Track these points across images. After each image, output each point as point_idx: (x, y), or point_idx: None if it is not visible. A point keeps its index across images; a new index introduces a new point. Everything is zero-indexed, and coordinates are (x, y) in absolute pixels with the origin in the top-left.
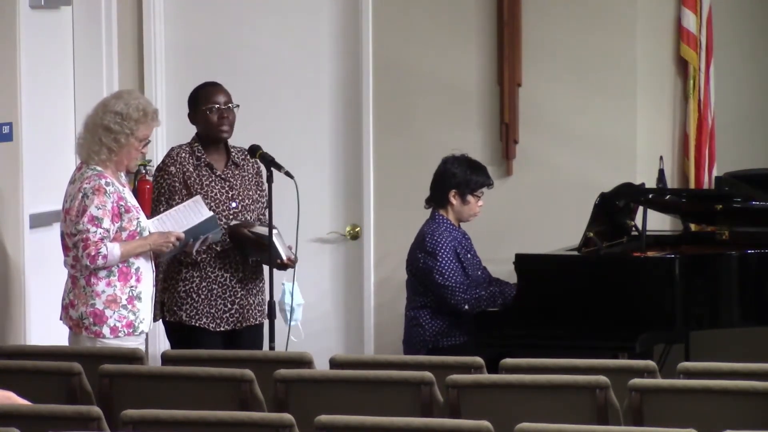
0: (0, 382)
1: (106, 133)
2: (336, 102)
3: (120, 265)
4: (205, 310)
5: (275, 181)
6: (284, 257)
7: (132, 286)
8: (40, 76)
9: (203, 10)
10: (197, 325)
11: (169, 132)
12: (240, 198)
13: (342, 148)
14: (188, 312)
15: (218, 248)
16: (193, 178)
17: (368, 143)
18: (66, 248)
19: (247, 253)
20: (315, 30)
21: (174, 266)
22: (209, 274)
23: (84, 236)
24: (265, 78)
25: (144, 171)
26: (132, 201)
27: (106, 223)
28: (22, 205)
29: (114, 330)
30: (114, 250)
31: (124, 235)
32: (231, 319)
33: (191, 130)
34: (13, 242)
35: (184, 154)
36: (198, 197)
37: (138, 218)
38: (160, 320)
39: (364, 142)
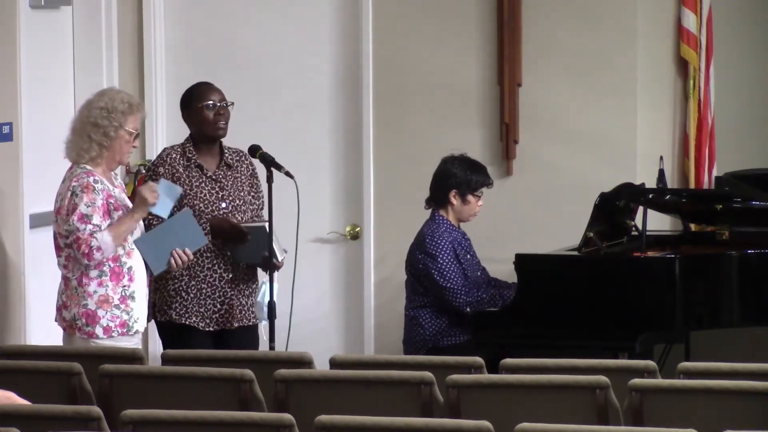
0: (0, 382)
1: (95, 129)
2: (336, 102)
3: (112, 265)
4: (194, 309)
5: (275, 181)
6: (279, 258)
7: (125, 286)
8: (40, 76)
9: (203, 10)
10: (186, 323)
11: (169, 132)
12: (231, 199)
13: (342, 148)
14: (178, 310)
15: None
16: (182, 179)
17: (368, 143)
18: (58, 249)
19: (228, 247)
20: (315, 30)
21: None
22: (198, 273)
23: (75, 236)
24: (265, 78)
25: (144, 171)
26: (122, 200)
27: (96, 219)
28: (22, 205)
29: (107, 330)
30: (104, 237)
31: None
32: (220, 320)
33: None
34: (13, 242)
35: (174, 155)
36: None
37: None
38: (153, 321)
39: (364, 142)
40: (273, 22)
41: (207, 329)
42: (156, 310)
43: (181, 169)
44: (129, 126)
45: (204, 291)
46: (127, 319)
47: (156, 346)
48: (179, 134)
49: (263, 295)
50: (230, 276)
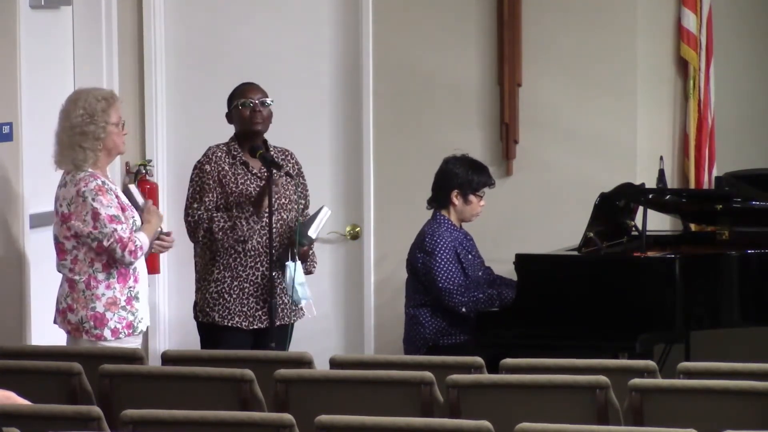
0: (0, 382)
1: (84, 137)
2: (336, 102)
3: (119, 266)
4: (236, 309)
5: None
6: (314, 235)
7: (131, 287)
8: (40, 76)
9: (203, 10)
10: (230, 325)
11: (169, 130)
12: (276, 196)
13: (342, 148)
14: (221, 313)
15: (248, 245)
16: (228, 177)
17: (368, 143)
18: (62, 252)
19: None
20: (315, 30)
21: (207, 267)
22: (240, 273)
23: (117, 236)
24: (265, 78)
25: (144, 171)
26: (125, 200)
27: (122, 218)
28: (22, 205)
29: (115, 332)
30: (143, 238)
31: None
32: (263, 318)
33: (192, 129)
34: (13, 242)
35: (219, 153)
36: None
37: (133, 216)
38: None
39: (364, 142)
40: (273, 22)
41: (251, 327)
42: (198, 310)
43: (226, 167)
44: (113, 119)
45: (246, 290)
46: (132, 320)
47: (156, 346)
48: (179, 132)
49: (290, 278)
50: (273, 274)
